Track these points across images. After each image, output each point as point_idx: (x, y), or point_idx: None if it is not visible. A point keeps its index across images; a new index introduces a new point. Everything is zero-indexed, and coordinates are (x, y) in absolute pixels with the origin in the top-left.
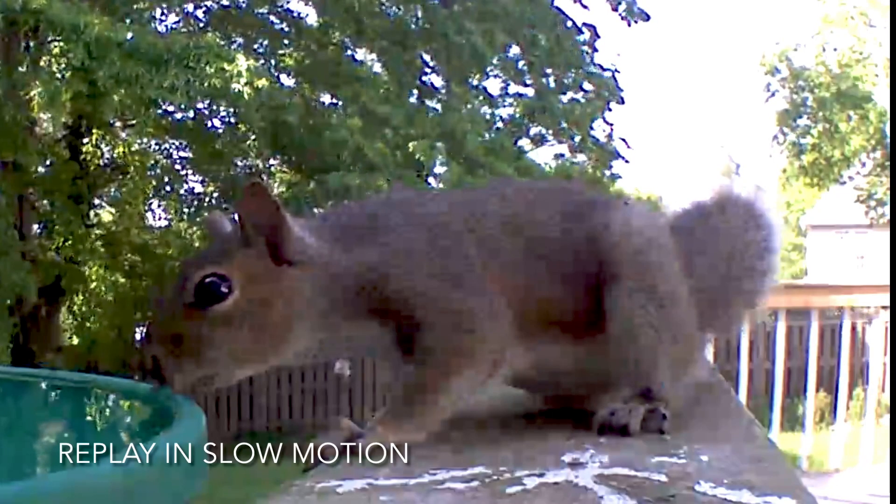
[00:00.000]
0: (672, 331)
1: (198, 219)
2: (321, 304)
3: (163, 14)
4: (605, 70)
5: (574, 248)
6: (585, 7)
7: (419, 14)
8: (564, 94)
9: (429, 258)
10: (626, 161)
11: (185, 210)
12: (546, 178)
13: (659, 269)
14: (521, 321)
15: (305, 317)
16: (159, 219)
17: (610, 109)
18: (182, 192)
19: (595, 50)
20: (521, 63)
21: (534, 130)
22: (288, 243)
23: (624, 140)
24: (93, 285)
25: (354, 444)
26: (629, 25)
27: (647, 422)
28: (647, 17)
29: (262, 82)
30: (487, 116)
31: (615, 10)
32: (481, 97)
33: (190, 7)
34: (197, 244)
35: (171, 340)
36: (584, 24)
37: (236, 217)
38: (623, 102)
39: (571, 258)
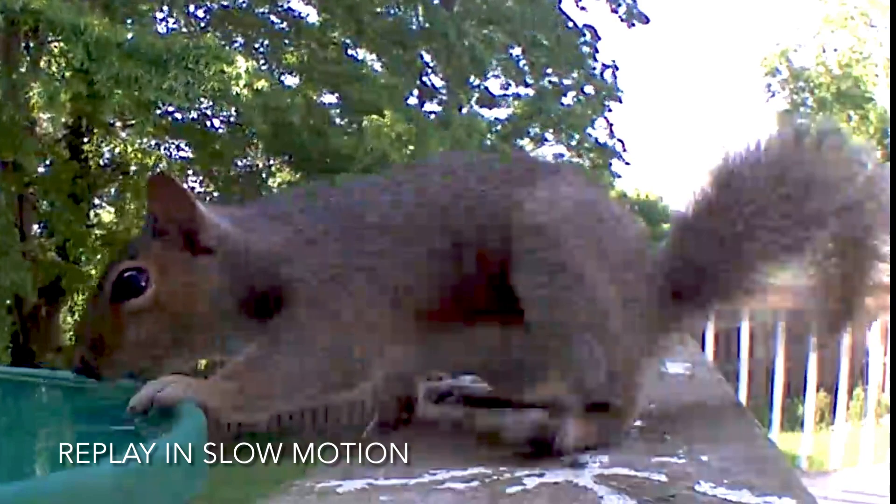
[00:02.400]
0: (589, 316)
1: None
2: (240, 291)
3: (164, 14)
4: (606, 67)
5: (491, 229)
6: (584, 9)
7: (419, 13)
8: (565, 95)
9: (326, 250)
10: (627, 163)
11: None
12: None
13: (568, 248)
14: (439, 308)
15: (225, 306)
16: None
17: (610, 110)
18: None
19: (596, 51)
20: (521, 63)
21: (534, 130)
22: (203, 231)
23: (621, 141)
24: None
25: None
26: (630, 27)
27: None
28: (647, 20)
29: (261, 83)
30: (489, 119)
31: (615, 11)
32: (481, 97)
33: (191, 7)
34: None
35: (96, 337)
36: (585, 25)
37: (148, 211)
38: (621, 101)
39: (491, 237)
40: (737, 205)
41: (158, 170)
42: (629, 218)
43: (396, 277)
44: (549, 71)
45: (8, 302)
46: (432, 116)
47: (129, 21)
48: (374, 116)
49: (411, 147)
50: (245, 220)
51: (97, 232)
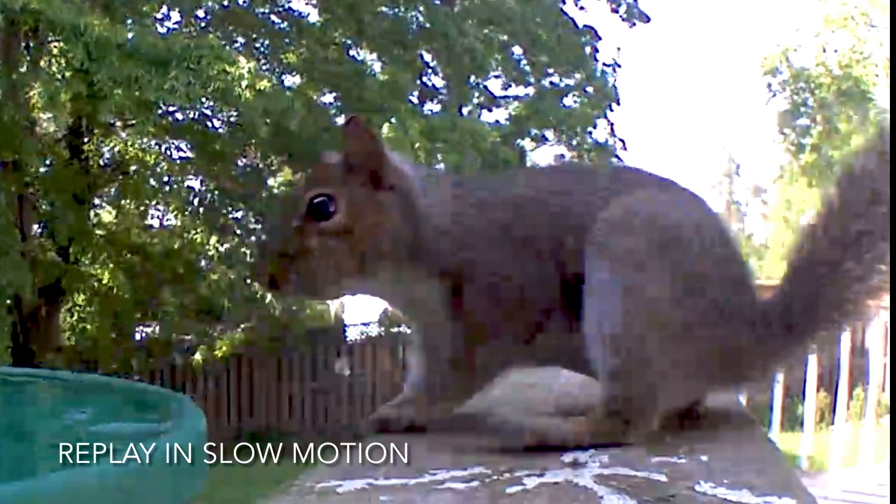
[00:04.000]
0: (627, 329)
1: (198, 219)
2: (407, 235)
3: (166, 14)
4: (606, 66)
5: (577, 226)
6: (583, 9)
7: (420, 11)
8: (566, 96)
9: (494, 228)
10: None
11: (186, 210)
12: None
13: (633, 262)
14: (546, 305)
15: (394, 244)
16: (158, 218)
17: (612, 110)
18: (182, 192)
19: (596, 50)
20: (522, 63)
21: (534, 131)
22: (386, 170)
23: (622, 141)
24: (97, 285)
25: (393, 419)
26: (631, 27)
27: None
28: (648, 19)
29: (263, 84)
30: (490, 124)
31: (615, 11)
32: (482, 97)
33: (191, 7)
34: (198, 242)
35: (282, 254)
36: (585, 25)
37: (342, 148)
38: (619, 104)
39: (574, 234)
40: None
41: (352, 115)
42: (723, 243)
43: (525, 268)
44: (551, 71)
45: (8, 302)
46: (435, 119)
47: (129, 21)
48: (386, 127)
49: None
50: (422, 174)
51: (99, 232)
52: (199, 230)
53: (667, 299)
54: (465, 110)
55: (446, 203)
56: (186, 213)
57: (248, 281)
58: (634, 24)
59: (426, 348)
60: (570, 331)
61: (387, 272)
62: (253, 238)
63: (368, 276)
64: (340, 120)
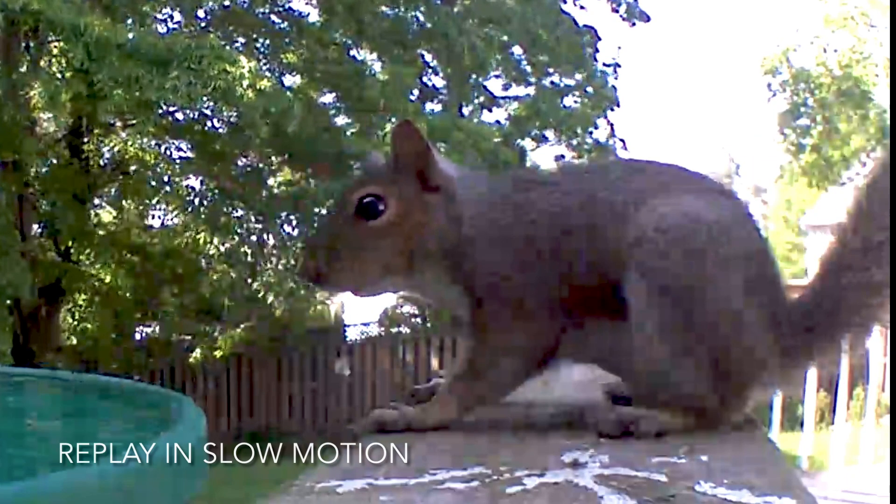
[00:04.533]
0: (686, 332)
1: (198, 219)
2: (451, 235)
3: (170, 14)
4: (606, 66)
5: (608, 227)
6: (583, 8)
7: (420, 11)
8: (567, 96)
9: (516, 240)
10: None
11: (187, 209)
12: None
13: (677, 269)
14: (574, 304)
15: (438, 244)
16: (158, 218)
17: (612, 110)
18: (182, 192)
19: (596, 50)
20: (522, 63)
21: (534, 131)
22: (433, 171)
23: (622, 141)
24: (97, 284)
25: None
26: (632, 26)
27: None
28: (648, 19)
29: (264, 83)
30: (490, 124)
31: (616, 11)
32: (482, 97)
33: (189, 6)
34: (199, 242)
35: (330, 248)
36: (585, 25)
37: (391, 150)
38: (619, 106)
39: (606, 235)
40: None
41: (404, 118)
42: (754, 243)
43: (560, 273)
44: (551, 70)
45: (8, 302)
46: (436, 119)
47: (129, 21)
48: (388, 126)
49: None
50: (466, 178)
51: (100, 232)
52: (199, 230)
53: (701, 309)
54: (465, 110)
55: (483, 206)
56: (187, 212)
57: (249, 281)
58: (635, 24)
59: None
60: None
61: (428, 271)
62: (254, 238)
63: (412, 273)
64: (340, 120)
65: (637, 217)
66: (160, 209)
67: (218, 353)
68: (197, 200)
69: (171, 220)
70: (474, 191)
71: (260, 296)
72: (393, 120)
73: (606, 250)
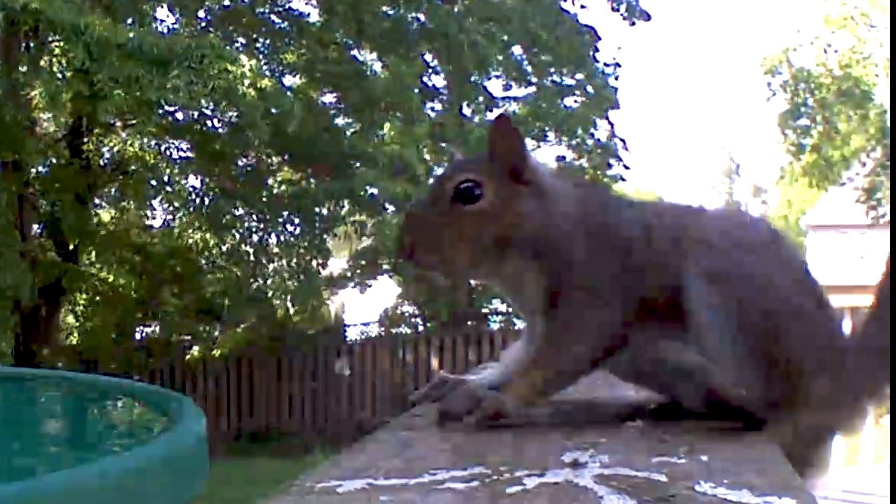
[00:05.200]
0: (744, 330)
1: (199, 218)
2: (540, 228)
3: (167, 13)
4: (608, 66)
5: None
6: (584, 7)
7: (423, 11)
8: (567, 97)
9: (602, 238)
10: (626, 167)
11: (189, 209)
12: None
13: (729, 276)
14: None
15: (531, 234)
16: (160, 217)
17: (614, 109)
18: (183, 192)
19: (596, 50)
20: (524, 63)
21: (535, 131)
22: (525, 165)
23: (623, 141)
24: (98, 284)
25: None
26: (632, 25)
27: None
28: (648, 17)
29: (265, 83)
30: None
31: (616, 10)
32: (482, 98)
33: (192, 7)
34: (200, 242)
35: (426, 230)
36: (585, 25)
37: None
38: (619, 107)
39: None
40: None
41: (500, 113)
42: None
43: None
44: (552, 70)
45: (12, 302)
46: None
47: (129, 21)
48: (389, 128)
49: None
50: (556, 177)
51: (101, 232)
52: (200, 229)
53: (762, 300)
54: (466, 110)
55: (570, 205)
56: (190, 212)
57: (252, 281)
58: (635, 23)
59: (526, 343)
60: (652, 344)
61: (516, 260)
62: (255, 237)
63: (500, 261)
64: (340, 120)
65: (691, 227)
66: (161, 209)
67: (217, 353)
68: (198, 200)
69: (173, 220)
70: (564, 189)
71: (266, 296)
72: (398, 115)
73: (670, 273)
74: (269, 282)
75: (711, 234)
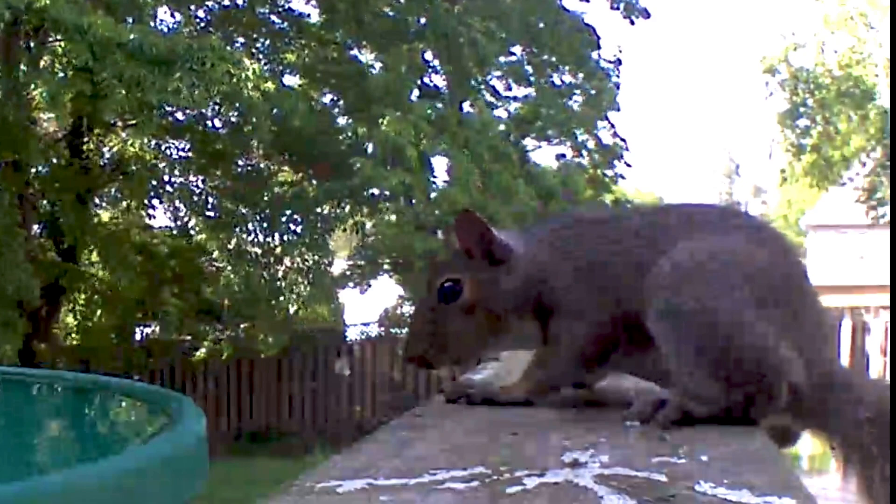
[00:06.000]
0: (702, 343)
1: (199, 218)
2: (521, 294)
3: (166, 12)
4: (609, 63)
5: (638, 269)
6: (586, 0)
7: (424, 10)
8: (570, 98)
9: (580, 265)
10: (628, 165)
11: (190, 208)
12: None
13: (688, 299)
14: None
15: (517, 307)
16: (164, 216)
17: (615, 110)
18: (183, 192)
19: (599, 47)
20: (525, 63)
21: (536, 132)
22: (496, 247)
23: (624, 140)
24: (98, 284)
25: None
26: (632, 24)
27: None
28: (648, 15)
29: (268, 85)
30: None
31: (615, 8)
32: (481, 98)
33: (192, 7)
34: (201, 241)
35: (427, 334)
36: (584, 23)
37: (457, 238)
38: (619, 110)
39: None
40: None
41: (464, 209)
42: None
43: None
44: (551, 71)
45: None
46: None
47: (129, 20)
48: (388, 116)
49: (424, 143)
50: (526, 239)
51: (102, 232)
52: (202, 230)
53: (714, 330)
54: (466, 107)
55: (545, 252)
56: (192, 211)
57: (260, 280)
58: (634, 22)
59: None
60: (632, 355)
61: (515, 326)
62: (260, 237)
63: (504, 333)
64: (341, 120)
65: (661, 260)
66: (161, 208)
67: (224, 356)
68: (199, 200)
69: (174, 219)
70: (533, 243)
71: (279, 297)
72: (394, 110)
73: (638, 289)
74: (280, 284)
75: (666, 271)
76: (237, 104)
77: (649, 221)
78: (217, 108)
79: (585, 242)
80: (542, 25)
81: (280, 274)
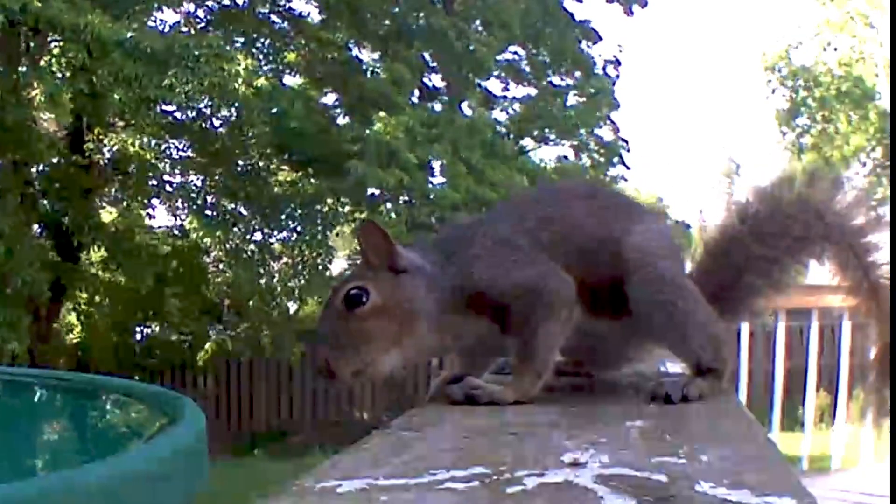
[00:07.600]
0: (686, 308)
1: (199, 217)
2: (430, 302)
3: (173, 11)
4: (609, 62)
5: (599, 244)
6: (580, 0)
7: (420, 13)
8: (568, 97)
9: (498, 257)
10: (627, 167)
11: (191, 208)
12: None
13: (662, 269)
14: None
15: (423, 313)
16: (165, 216)
17: (614, 109)
18: (185, 191)
19: (599, 39)
20: (524, 63)
21: (536, 131)
22: (397, 257)
23: (624, 140)
24: (99, 284)
25: (476, 394)
26: (630, 14)
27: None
28: (645, 3)
29: (260, 81)
30: (491, 118)
31: (611, 0)
32: (480, 98)
33: (191, 7)
34: (201, 241)
35: (332, 340)
36: (582, 21)
37: (361, 249)
38: (619, 107)
39: (597, 250)
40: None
41: (366, 220)
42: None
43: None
44: (551, 71)
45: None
46: (432, 115)
47: (127, 19)
48: (382, 115)
49: (417, 148)
50: (425, 250)
51: (103, 232)
52: (201, 229)
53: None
54: (465, 106)
55: (447, 256)
56: (192, 210)
57: (262, 281)
58: (633, 13)
59: (475, 352)
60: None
61: (426, 330)
62: (258, 236)
63: (412, 338)
64: (341, 120)
65: (628, 241)
66: (163, 208)
67: (225, 355)
68: (199, 199)
69: (175, 219)
70: (437, 252)
71: (274, 295)
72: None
73: (599, 262)
74: (275, 280)
75: (643, 254)
76: (232, 101)
77: (597, 206)
78: (212, 104)
79: (477, 237)
80: (540, 25)
81: (276, 268)
